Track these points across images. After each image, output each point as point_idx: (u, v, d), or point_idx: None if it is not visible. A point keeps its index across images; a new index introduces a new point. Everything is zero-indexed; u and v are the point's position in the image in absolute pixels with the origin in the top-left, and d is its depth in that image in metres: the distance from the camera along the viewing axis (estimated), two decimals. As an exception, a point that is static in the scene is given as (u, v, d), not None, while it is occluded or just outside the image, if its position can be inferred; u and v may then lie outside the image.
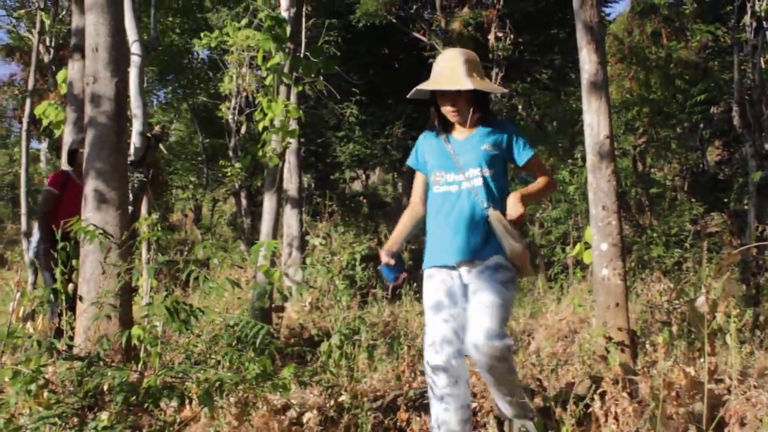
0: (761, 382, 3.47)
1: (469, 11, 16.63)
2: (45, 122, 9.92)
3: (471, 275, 3.51)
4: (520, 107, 18.40)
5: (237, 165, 17.71)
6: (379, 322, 4.63)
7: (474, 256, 3.53)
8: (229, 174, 17.99)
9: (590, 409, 3.51)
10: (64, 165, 7.35)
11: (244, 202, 20.74)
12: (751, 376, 3.48)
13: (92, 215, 5.06)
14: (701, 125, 21.76)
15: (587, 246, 5.99)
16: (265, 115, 8.49)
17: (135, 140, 9.48)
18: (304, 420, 3.96)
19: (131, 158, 8.99)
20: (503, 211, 3.53)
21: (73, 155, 6.96)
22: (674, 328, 5.42)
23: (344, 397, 3.91)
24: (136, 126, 9.49)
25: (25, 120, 13.88)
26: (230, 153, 19.91)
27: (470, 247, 3.53)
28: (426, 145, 3.87)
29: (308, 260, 10.61)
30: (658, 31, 21.09)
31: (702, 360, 3.57)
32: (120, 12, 5.52)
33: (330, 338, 4.15)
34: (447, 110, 3.68)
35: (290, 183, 13.30)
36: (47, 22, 14.17)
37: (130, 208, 7.90)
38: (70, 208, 6.25)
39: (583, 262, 6.18)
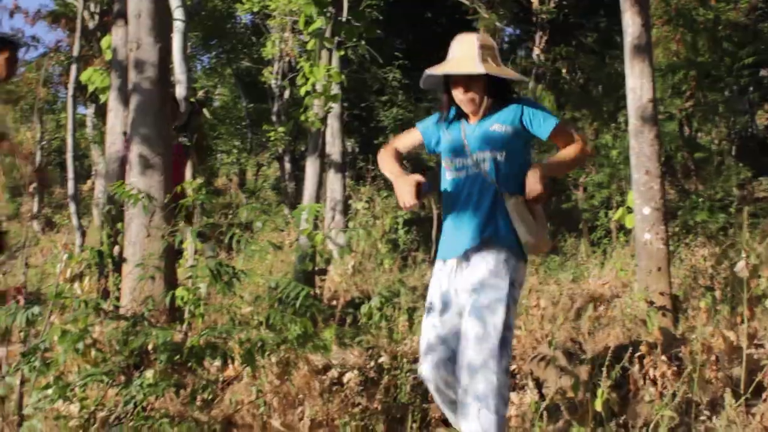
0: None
1: (515, -26, 16.44)
2: (91, 88, 10.03)
3: (465, 276, 3.25)
4: (564, 71, 18.20)
5: (280, 129, 17.77)
6: (419, 285, 4.66)
7: (480, 244, 3.24)
8: (272, 138, 18.04)
9: (628, 372, 3.52)
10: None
11: (287, 166, 20.83)
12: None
13: (137, 180, 5.14)
14: (750, 88, 21.38)
15: (629, 210, 5.96)
16: (307, 80, 8.51)
17: (180, 105, 9.56)
18: (345, 380, 4.03)
19: (175, 123, 9.06)
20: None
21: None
22: (717, 293, 5.40)
23: (384, 359, 3.97)
24: (180, 91, 9.57)
25: (71, 86, 14.00)
26: (273, 117, 19.98)
27: (474, 235, 3.25)
28: (439, 124, 3.59)
29: (351, 224, 10.68)
30: (705, -8, 20.69)
31: (743, 325, 3.56)
32: (162, -22, 5.57)
33: (371, 301, 4.20)
34: (460, 98, 3.39)
35: (333, 147, 13.32)
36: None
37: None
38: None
39: (626, 226, 6.15)
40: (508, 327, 3.09)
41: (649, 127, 5.66)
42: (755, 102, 23.49)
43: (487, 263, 3.19)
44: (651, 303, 5.27)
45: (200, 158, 14.61)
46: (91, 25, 17.33)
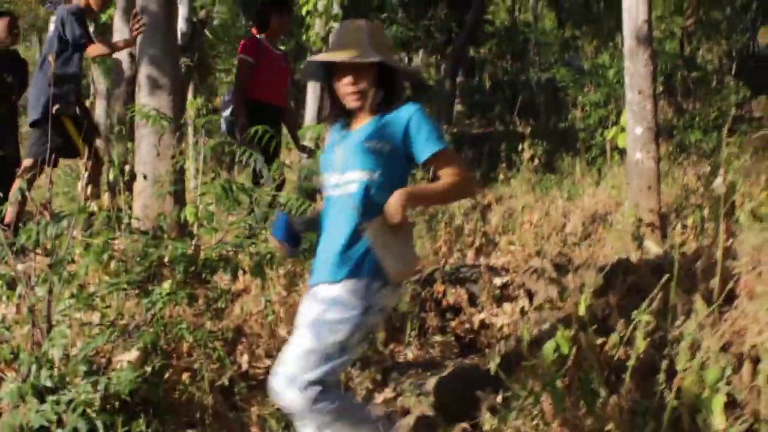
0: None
1: None
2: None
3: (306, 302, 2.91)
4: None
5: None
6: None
7: (329, 278, 2.82)
8: (272, 57, 18.07)
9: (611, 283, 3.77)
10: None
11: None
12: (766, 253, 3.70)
13: (146, 101, 5.31)
14: (754, 5, 21.32)
15: (623, 130, 6.13)
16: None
17: (181, 26, 9.68)
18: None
19: (178, 43, 9.16)
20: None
21: (267, 19, 6.63)
22: (705, 211, 5.61)
23: (385, 271, 4.20)
24: (182, 11, 9.68)
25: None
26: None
27: (331, 271, 2.82)
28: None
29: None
30: None
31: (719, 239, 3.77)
32: None
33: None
34: (344, 90, 2.91)
35: (333, 67, 13.41)
36: None
37: (178, 92, 8.12)
38: (267, 78, 6.46)
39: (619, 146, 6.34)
40: (343, 349, 2.75)
41: (644, 48, 5.79)
42: (757, 20, 23.43)
43: (344, 286, 2.79)
44: (640, 220, 5.50)
45: (201, 78, 14.70)
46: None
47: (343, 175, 2.88)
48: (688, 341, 2.68)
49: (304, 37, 8.46)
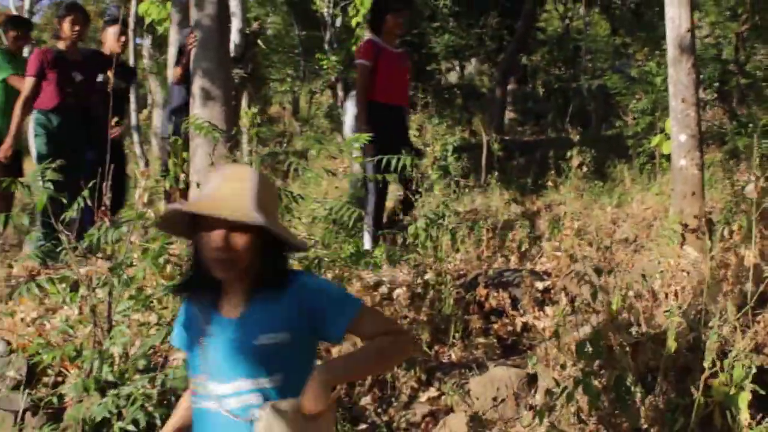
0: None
1: None
2: (148, 20, 10.39)
3: None
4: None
5: (333, 58, 18.00)
6: (463, 209, 5.01)
7: None
8: (325, 67, 18.31)
9: (650, 286, 3.86)
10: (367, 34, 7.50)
11: (340, 94, 21.08)
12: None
13: (200, 111, 5.52)
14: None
15: (667, 137, 6.20)
16: (358, 11, 8.77)
17: (234, 37, 9.91)
18: (395, 295, 4.41)
19: (232, 55, 9.35)
20: None
21: (381, 20, 6.65)
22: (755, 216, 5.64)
23: (429, 275, 4.34)
24: (236, 24, 9.89)
25: (130, 20, 14.40)
26: (326, 46, 20.18)
27: None
28: (185, 318, 2.34)
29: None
30: None
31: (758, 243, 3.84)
32: None
33: (417, 222, 4.55)
34: (213, 255, 2.08)
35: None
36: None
37: (232, 103, 8.33)
38: (386, 79, 6.50)
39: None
40: None
41: (687, 56, 5.85)
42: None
43: None
44: (685, 226, 5.55)
45: (255, 88, 14.98)
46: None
47: (227, 384, 2.11)
48: (713, 340, 2.76)
49: (353, 48, 8.61)
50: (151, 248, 3.48)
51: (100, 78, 6.86)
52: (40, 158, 6.24)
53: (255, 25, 11.13)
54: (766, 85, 14.31)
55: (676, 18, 5.90)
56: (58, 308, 4.38)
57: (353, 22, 8.77)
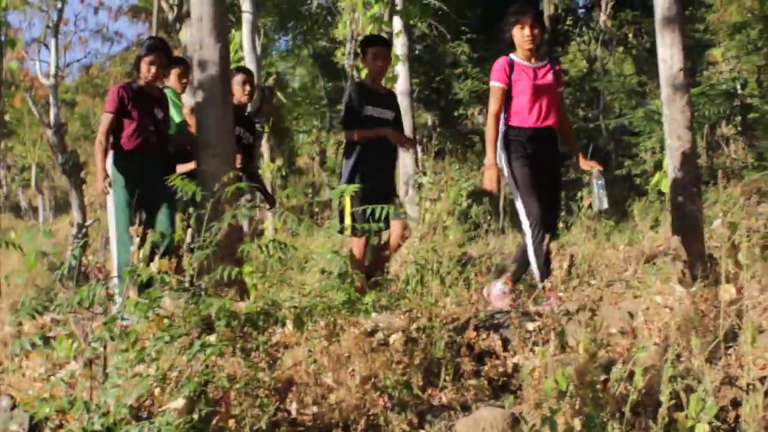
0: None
1: (575, -59, 16.60)
2: (169, 79, 10.68)
3: None
4: (630, 35, 18.28)
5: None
6: (454, 255, 5.11)
7: None
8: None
9: (635, 323, 3.93)
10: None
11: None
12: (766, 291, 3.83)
13: (204, 167, 5.73)
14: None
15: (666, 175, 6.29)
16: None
17: (250, 93, 10.13)
18: (391, 341, 4.52)
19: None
20: None
21: (507, 34, 6.23)
22: (756, 249, 5.70)
23: (422, 320, 4.44)
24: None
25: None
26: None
27: None
28: None
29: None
30: (779, -56, 20.38)
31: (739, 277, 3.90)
32: (221, -17, 6.08)
33: (407, 268, 4.67)
34: None
35: (404, 124, 13.73)
36: (166, -14, 14.91)
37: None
38: (522, 99, 5.88)
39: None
40: None
41: (680, 95, 5.96)
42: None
43: None
44: (684, 261, 5.61)
45: (278, 140, 15.24)
46: (170, 16, 18.00)
47: None
48: (668, 373, 2.84)
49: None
50: (141, 302, 3.63)
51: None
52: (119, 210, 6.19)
53: (270, 80, 11.39)
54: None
55: (668, 58, 6.02)
56: (65, 363, 4.53)
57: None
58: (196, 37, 5.94)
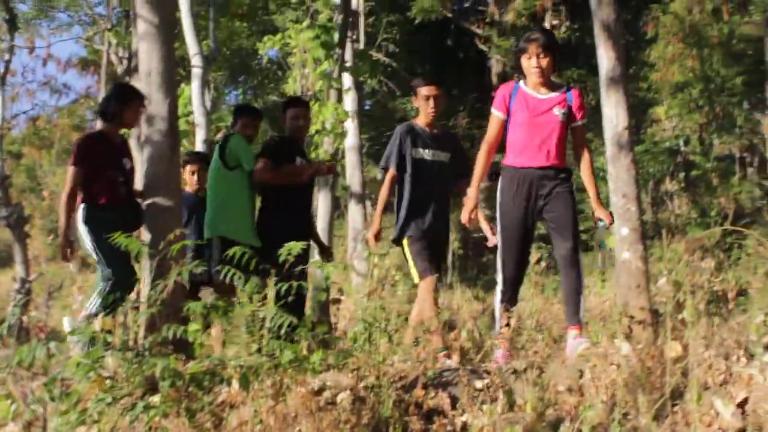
0: (720, 350, 3.87)
1: (522, 2, 16.95)
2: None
3: None
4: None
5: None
6: (403, 312, 5.10)
7: None
8: (298, 171, 18.57)
9: (582, 381, 3.94)
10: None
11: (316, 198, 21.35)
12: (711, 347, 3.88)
13: (150, 224, 5.67)
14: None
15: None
16: (317, 119, 9.02)
17: (199, 147, 10.12)
18: (338, 400, 4.47)
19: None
20: None
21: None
22: (701, 306, 5.77)
23: (371, 378, 4.40)
24: (199, 134, 10.13)
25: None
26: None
27: None
28: None
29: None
30: (718, 7, 20.99)
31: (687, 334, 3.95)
32: (170, 38, 6.07)
33: (355, 326, 4.64)
34: None
35: (353, 179, 13.80)
36: (113, 42, 14.91)
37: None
38: (522, 131, 5.39)
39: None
40: None
41: (625, 153, 6.07)
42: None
43: None
44: (631, 317, 5.65)
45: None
46: (119, 70, 17.95)
47: None
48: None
49: (313, 155, 8.82)
50: (83, 363, 3.55)
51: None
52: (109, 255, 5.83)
53: (219, 135, 11.37)
54: (715, 174, 14.68)
55: (613, 117, 6.14)
56: (3, 425, 4.41)
57: (312, 129, 9.00)
58: (144, 92, 5.92)
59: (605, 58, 6.22)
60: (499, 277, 5.50)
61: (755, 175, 18.70)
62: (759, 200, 15.17)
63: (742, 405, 3.36)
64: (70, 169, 6.04)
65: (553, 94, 5.38)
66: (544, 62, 5.27)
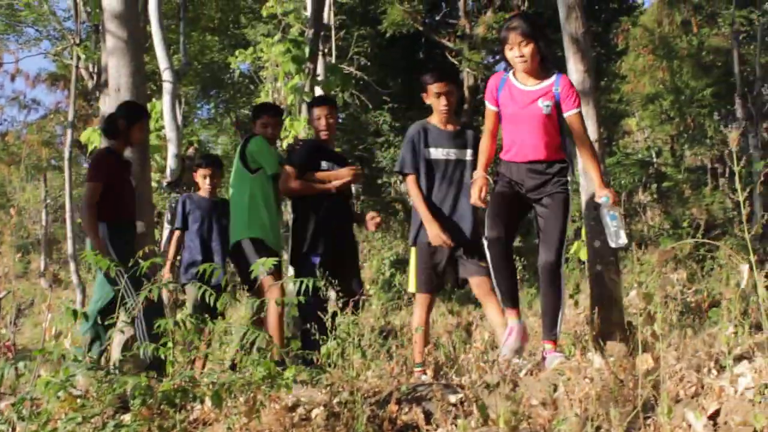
0: (691, 362, 3.89)
1: (492, 15, 17.03)
2: (90, 147, 10.55)
3: None
4: (548, 106, 18.75)
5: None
6: (377, 326, 5.08)
7: None
8: (273, 186, 18.55)
9: (556, 394, 3.94)
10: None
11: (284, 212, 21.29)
12: (682, 359, 3.90)
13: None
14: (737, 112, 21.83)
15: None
16: (289, 132, 9.01)
17: (170, 162, 10.07)
18: (312, 416, 4.45)
19: (167, 179, 9.48)
20: None
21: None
22: (672, 317, 5.81)
23: (344, 394, 4.38)
24: (171, 149, 10.08)
25: (66, 149, 14.52)
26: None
27: None
28: None
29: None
30: (687, 20, 21.20)
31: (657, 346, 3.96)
32: (139, 53, 6.06)
33: (329, 342, 4.62)
34: None
35: (326, 192, 13.74)
36: (82, 57, 14.83)
37: (169, 226, 8.44)
38: (511, 123, 5.25)
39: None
40: None
41: (596, 166, 6.08)
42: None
43: None
44: (604, 331, 5.67)
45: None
46: (90, 84, 17.87)
47: None
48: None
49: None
50: (52, 381, 3.51)
51: None
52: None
53: (191, 149, 11.34)
54: (687, 185, 14.81)
55: (583, 130, 6.15)
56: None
57: (284, 144, 8.99)
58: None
59: (575, 71, 6.23)
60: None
61: (727, 186, 18.87)
62: (731, 211, 15.30)
63: (713, 417, 3.37)
64: (91, 185, 5.86)
65: (540, 85, 5.07)
66: (527, 51, 4.92)
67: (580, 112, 5.13)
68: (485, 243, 5.20)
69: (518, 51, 4.92)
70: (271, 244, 6.21)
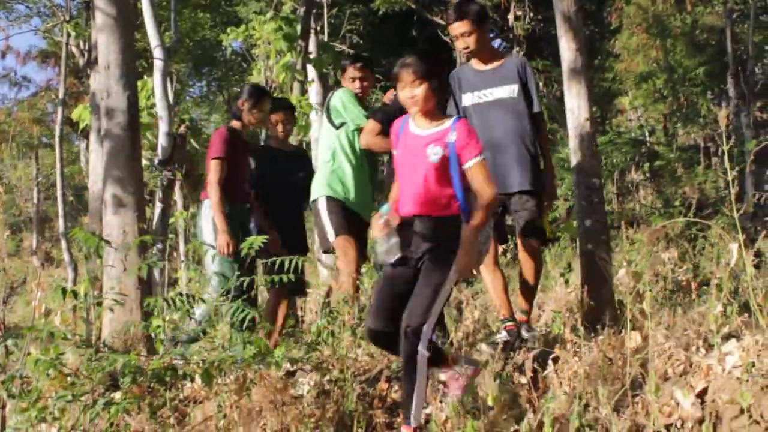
0: (680, 341, 3.91)
1: (486, -8, 16.94)
2: (81, 125, 10.50)
3: None
4: (541, 84, 18.66)
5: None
6: (366, 306, 5.06)
7: None
8: (264, 164, 18.50)
9: (545, 373, 3.97)
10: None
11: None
12: (671, 337, 3.92)
13: (111, 218, 5.62)
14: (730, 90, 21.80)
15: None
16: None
17: (162, 140, 10.00)
18: (303, 393, 4.47)
19: (158, 158, 9.42)
20: None
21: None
22: (659, 296, 5.83)
23: (334, 372, 4.40)
24: (162, 127, 9.99)
25: (57, 127, 14.47)
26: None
27: None
28: None
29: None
30: (681, -3, 21.11)
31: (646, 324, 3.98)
32: (129, 30, 6.02)
33: (318, 320, 4.64)
34: None
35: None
36: (73, 34, 14.74)
37: (161, 204, 8.40)
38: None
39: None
40: None
41: (587, 145, 6.08)
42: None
43: None
44: (593, 308, 5.68)
45: (192, 187, 15.05)
46: (81, 62, 17.75)
47: None
48: (582, 423, 2.86)
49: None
50: (43, 359, 3.51)
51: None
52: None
53: (182, 127, 11.26)
54: (680, 164, 14.83)
55: (575, 109, 6.15)
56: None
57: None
58: (103, 85, 5.86)
59: (567, 49, 6.23)
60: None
61: (719, 165, 18.90)
62: (723, 190, 15.34)
63: (701, 395, 3.40)
64: (215, 162, 5.69)
65: (434, 130, 4.21)
66: (419, 91, 4.09)
67: (482, 161, 4.13)
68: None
69: (410, 91, 4.11)
70: (352, 204, 5.91)
